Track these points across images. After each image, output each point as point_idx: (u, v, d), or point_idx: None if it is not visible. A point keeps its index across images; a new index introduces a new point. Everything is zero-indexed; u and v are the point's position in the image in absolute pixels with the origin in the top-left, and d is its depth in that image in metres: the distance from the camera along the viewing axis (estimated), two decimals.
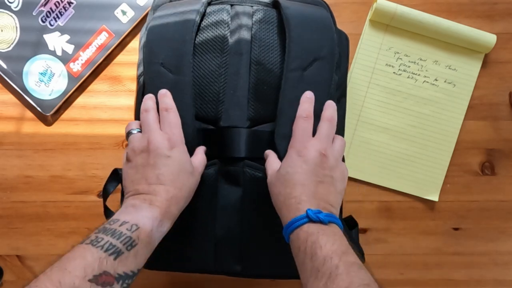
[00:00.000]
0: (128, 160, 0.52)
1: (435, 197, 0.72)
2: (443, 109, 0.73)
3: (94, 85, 0.72)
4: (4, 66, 0.71)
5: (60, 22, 0.71)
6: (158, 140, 0.50)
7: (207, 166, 0.55)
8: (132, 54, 0.72)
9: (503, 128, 0.73)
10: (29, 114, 0.72)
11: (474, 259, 0.73)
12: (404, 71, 0.73)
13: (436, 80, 0.73)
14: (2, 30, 0.71)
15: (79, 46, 0.71)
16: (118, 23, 0.71)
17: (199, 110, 0.55)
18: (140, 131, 0.53)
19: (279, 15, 0.57)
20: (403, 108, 0.73)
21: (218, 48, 0.55)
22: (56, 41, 0.71)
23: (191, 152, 0.53)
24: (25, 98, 0.70)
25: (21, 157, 0.72)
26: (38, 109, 0.71)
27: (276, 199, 0.50)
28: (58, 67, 0.71)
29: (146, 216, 0.46)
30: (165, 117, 0.52)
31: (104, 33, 0.71)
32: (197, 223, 0.56)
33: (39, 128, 0.72)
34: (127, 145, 0.54)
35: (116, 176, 0.58)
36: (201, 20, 0.57)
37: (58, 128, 0.72)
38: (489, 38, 0.71)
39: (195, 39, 0.55)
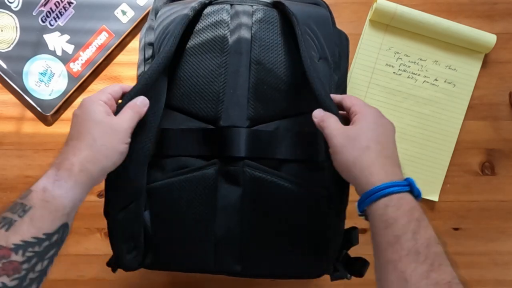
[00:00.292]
0: None
1: (435, 197, 0.72)
2: (443, 109, 0.73)
3: (94, 85, 0.72)
4: (4, 66, 0.71)
5: (60, 22, 0.71)
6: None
7: (207, 166, 0.55)
8: (132, 54, 0.72)
9: (503, 128, 0.73)
10: (29, 114, 0.72)
11: (474, 259, 0.73)
12: (404, 71, 0.73)
13: (436, 80, 0.73)
14: (2, 30, 0.71)
15: (79, 46, 0.71)
16: (118, 23, 0.71)
17: (199, 110, 0.55)
18: None
19: (280, 15, 0.57)
20: (403, 108, 0.73)
21: (218, 48, 0.55)
22: (56, 41, 0.71)
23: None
24: (25, 98, 0.71)
25: (21, 157, 0.72)
26: (38, 109, 0.71)
27: (361, 153, 0.44)
28: (58, 67, 0.71)
29: (41, 177, 0.43)
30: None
31: (104, 33, 0.71)
32: (197, 223, 0.56)
33: (39, 128, 0.72)
34: None
35: None
36: (198, 17, 0.57)
37: (58, 128, 0.72)
38: (489, 38, 0.71)
39: (186, 33, 0.55)
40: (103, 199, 0.53)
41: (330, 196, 0.54)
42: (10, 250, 0.37)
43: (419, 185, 0.66)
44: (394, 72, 0.73)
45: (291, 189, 0.53)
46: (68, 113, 0.72)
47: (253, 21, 0.56)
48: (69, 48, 0.71)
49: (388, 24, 0.72)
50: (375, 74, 0.73)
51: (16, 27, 0.71)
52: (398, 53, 0.73)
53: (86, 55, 0.71)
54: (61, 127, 0.72)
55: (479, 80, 0.73)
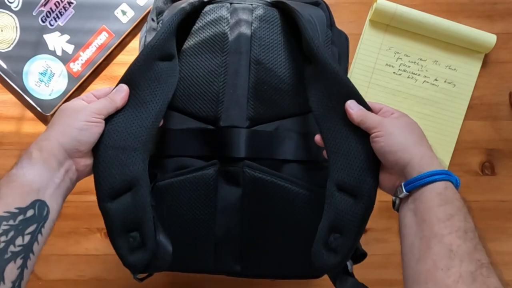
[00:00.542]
0: None
1: None
2: (443, 109, 0.73)
3: (94, 85, 0.72)
4: (4, 66, 0.71)
5: (60, 22, 0.71)
6: None
7: (207, 167, 0.55)
8: (132, 54, 0.72)
9: (503, 128, 0.73)
10: (29, 114, 0.72)
11: None
12: (404, 71, 0.73)
13: (436, 80, 0.73)
14: (2, 30, 0.71)
15: (79, 46, 0.71)
16: (118, 23, 0.71)
17: (199, 111, 0.55)
18: None
19: (280, 14, 0.57)
20: (403, 108, 0.73)
21: (218, 46, 0.55)
22: (56, 41, 0.71)
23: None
24: (25, 98, 0.71)
25: None
26: (38, 109, 0.71)
27: (419, 140, 0.47)
28: (58, 67, 0.71)
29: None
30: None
31: (104, 33, 0.71)
32: (197, 223, 0.56)
33: (39, 128, 0.72)
34: None
35: None
36: (197, 16, 0.57)
37: None
38: (489, 38, 0.71)
39: (184, 33, 0.55)
40: None
41: None
42: None
43: None
44: (394, 72, 0.73)
45: (291, 189, 0.53)
46: None
47: (253, 17, 0.56)
48: (69, 48, 0.71)
49: (388, 24, 0.72)
50: (375, 74, 0.73)
51: (16, 27, 0.71)
52: (398, 53, 0.73)
53: (86, 55, 0.71)
54: None
55: (479, 80, 0.73)
